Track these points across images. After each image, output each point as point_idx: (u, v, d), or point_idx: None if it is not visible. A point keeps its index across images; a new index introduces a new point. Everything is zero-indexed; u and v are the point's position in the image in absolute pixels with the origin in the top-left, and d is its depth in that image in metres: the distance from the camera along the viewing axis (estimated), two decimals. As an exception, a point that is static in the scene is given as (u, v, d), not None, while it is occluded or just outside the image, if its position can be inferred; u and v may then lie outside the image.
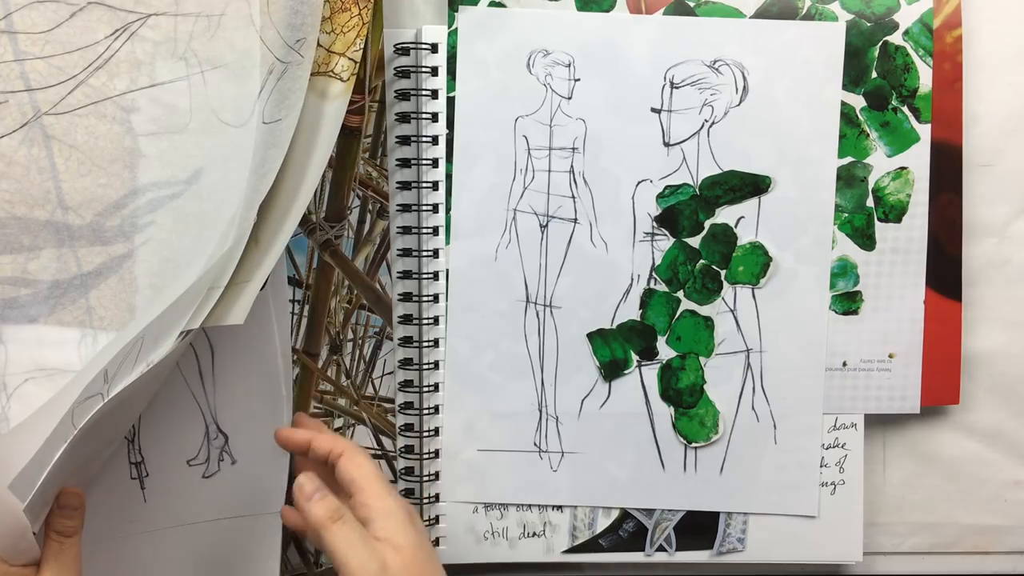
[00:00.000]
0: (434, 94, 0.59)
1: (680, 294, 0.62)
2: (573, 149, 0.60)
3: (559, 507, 0.63)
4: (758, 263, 0.61)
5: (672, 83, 0.60)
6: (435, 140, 0.60)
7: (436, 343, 0.61)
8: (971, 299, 0.64)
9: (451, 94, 0.60)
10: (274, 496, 0.59)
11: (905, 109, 0.61)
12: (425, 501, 0.62)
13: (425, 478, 0.62)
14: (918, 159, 0.61)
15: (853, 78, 0.61)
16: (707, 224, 0.61)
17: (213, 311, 0.49)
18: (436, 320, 0.61)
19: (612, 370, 0.62)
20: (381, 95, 0.59)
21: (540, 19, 0.59)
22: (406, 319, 0.61)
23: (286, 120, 0.52)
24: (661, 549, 0.64)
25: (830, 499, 0.63)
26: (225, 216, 0.51)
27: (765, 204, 0.61)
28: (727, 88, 0.60)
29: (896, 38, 0.60)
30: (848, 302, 0.62)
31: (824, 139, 0.61)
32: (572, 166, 0.61)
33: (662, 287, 0.62)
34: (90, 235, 0.52)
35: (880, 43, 0.60)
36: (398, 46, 0.59)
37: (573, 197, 0.61)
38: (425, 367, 0.61)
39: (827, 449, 0.63)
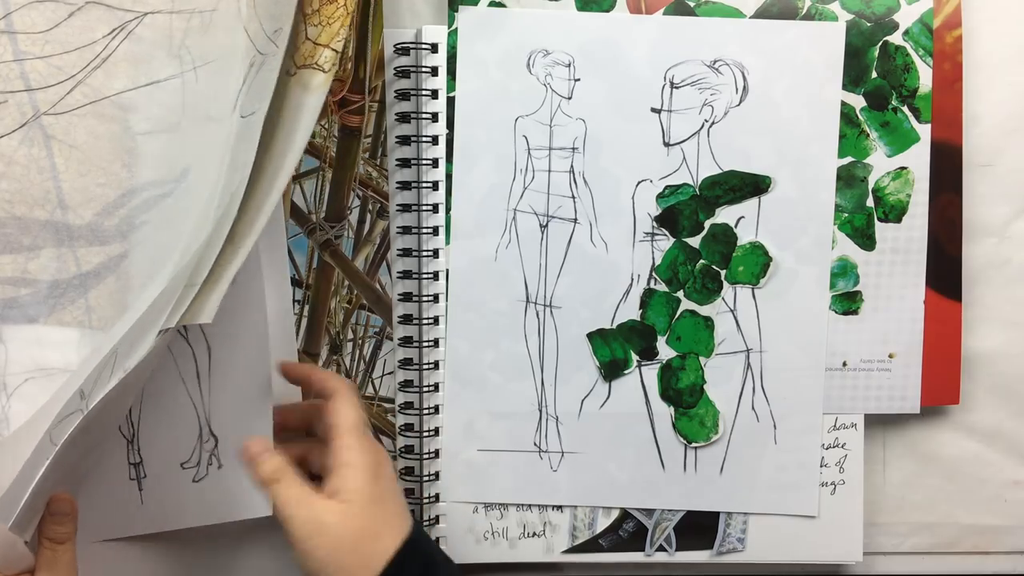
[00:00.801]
0: (434, 94, 0.59)
1: (680, 294, 0.62)
2: (573, 149, 0.60)
3: (559, 507, 0.63)
4: (758, 263, 0.61)
5: (672, 83, 0.60)
6: (435, 140, 0.60)
7: (436, 343, 0.61)
8: (971, 299, 0.64)
9: (451, 94, 0.59)
10: (259, 501, 0.56)
11: (905, 109, 0.61)
12: (425, 501, 0.62)
13: (425, 478, 0.62)
14: (918, 159, 0.61)
15: (853, 78, 0.61)
16: (707, 224, 0.61)
17: (188, 309, 0.48)
18: (436, 320, 0.61)
19: (612, 370, 0.62)
20: (381, 95, 0.59)
21: (540, 19, 0.59)
22: (406, 319, 0.61)
23: (259, 112, 0.50)
24: (661, 549, 0.64)
25: (830, 499, 0.63)
26: (203, 213, 0.50)
27: (765, 204, 0.61)
28: (727, 88, 0.60)
29: (896, 38, 0.60)
30: (848, 302, 0.62)
31: (824, 139, 0.61)
32: (572, 166, 0.61)
33: (662, 287, 0.62)
34: (89, 235, 0.52)
35: (880, 43, 0.60)
36: (398, 46, 0.59)
37: (573, 197, 0.61)
38: (425, 367, 0.61)
39: (827, 449, 0.63)
